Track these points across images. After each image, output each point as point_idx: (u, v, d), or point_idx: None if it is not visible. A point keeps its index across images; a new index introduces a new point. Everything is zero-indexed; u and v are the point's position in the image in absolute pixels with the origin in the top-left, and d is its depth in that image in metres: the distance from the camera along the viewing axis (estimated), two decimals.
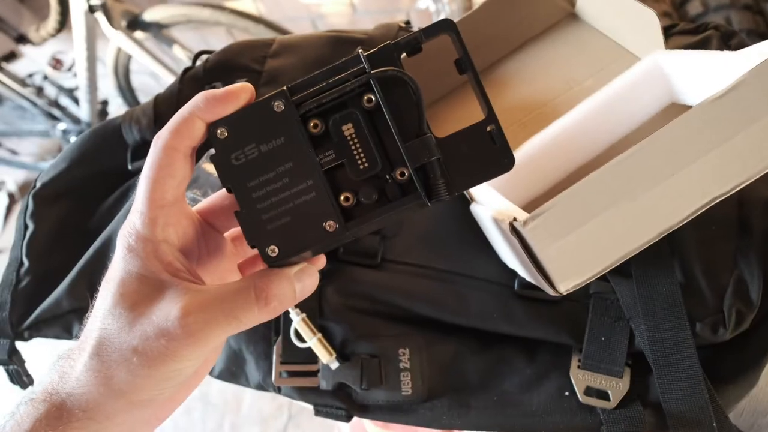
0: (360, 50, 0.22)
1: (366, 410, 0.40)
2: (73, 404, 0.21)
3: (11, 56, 1.58)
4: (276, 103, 0.22)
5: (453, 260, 0.41)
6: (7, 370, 0.48)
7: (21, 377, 0.48)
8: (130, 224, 0.22)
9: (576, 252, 0.29)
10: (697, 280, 0.36)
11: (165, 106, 0.50)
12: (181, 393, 0.25)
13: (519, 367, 0.39)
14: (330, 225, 0.22)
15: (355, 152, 0.22)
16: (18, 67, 1.56)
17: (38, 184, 0.51)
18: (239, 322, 0.22)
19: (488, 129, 0.23)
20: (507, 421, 0.38)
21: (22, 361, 0.48)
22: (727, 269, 0.36)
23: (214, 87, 0.49)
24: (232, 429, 1.20)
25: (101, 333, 0.22)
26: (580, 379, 0.37)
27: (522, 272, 0.36)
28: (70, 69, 1.48)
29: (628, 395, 0.36)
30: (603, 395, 0.37)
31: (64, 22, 1.31)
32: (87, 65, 1.30)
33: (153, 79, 1.50)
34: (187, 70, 0.51)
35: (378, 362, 0.39)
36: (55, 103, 1.51)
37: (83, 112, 1.44)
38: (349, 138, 0.22)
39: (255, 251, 0.24)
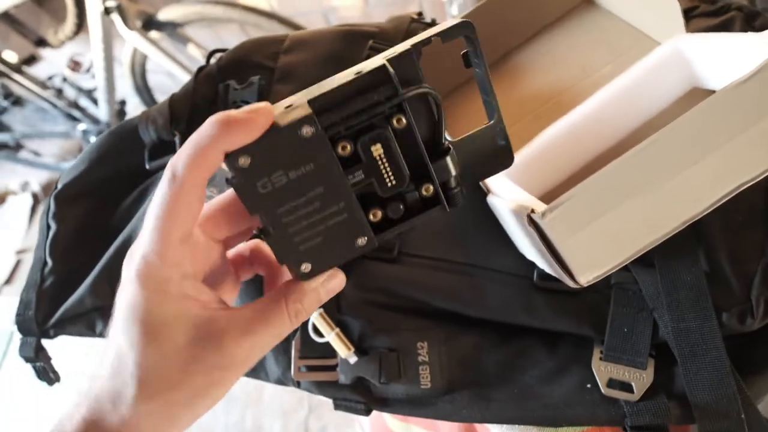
0: (385, 62, 0.21)
1: (385, 404, 0.40)
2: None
3: (31, 59, 1.61)
4: (304, 129, 0.21)
5: (471, 253, 0.41)
6: (34, 367, 0.49)
7: (48, 374, 0.49)
8: (151, 266, 0.21)
9: (596, 243, 0.29)
10: (722, 268, 0.35)
11: (180, 105, 0.50)
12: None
13: (540, 359, 0.38)
14: (362, 240, 0.23)
15: (383, 171, 0.22)
16: (38, 70, 1.59)
17: (60, 186, 0.52)
18: (279, 339, 0.23)
19: (498, 130, 0.25)
20: (528, 414, 0.37)
21: (48, 358, 0.49)
22: (755, 257, 0.35)
23: (228, 85, 0.49)
24: (254, 422, 1.21)
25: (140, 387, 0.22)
26: (602, 371, 0.36)
27: (541, 264, 0.36)
28: (88, 70, 1.50)
29: (652, 387, 0.35)
30: (626, 387, 0.36)
31: (81, 24, 1.33)
32: (104, 66, 1.32)
33: (169, 78, 1.51)
34: (201, 69, 0.52)
35: (397, 356, 0.39)
36: (75, 105, 1.53)
37: (102, 112, 1.47)
38: (378, 158, 0.22)
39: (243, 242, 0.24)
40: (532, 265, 0.39)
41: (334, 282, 0.25)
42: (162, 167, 0.50)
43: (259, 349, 0.23)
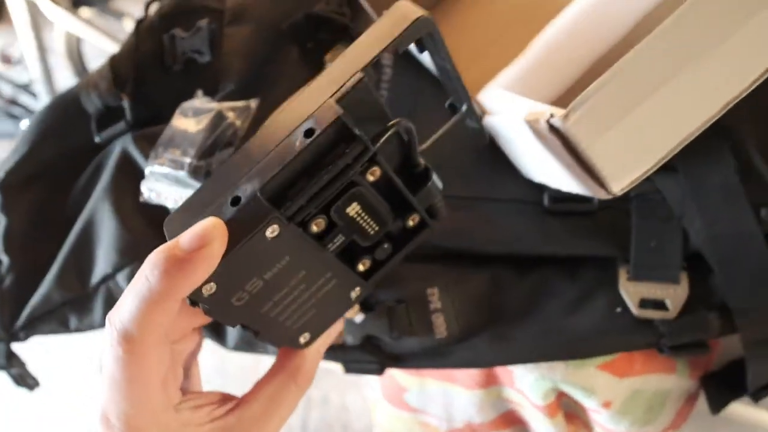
0: (340, 113, 0.17)
1: (399, 360, 0.36)
2: None
3: None
4: (269, 231, 0.18)
5: (471, 184, 0.37)
6: (9, 375, 0.45)
7: (25, 380, 0.46)
8: (145, 427, 0.19)
9: (630, 142, 0.25)
10: (754, 161, 0.32)
11: (123, 64, 0.44)
12: None
13: (561, 289, 0.35)
14: (355, 292, 0.23)
15: (363, 225, 0.20)
16: None
17: (2, 174, 0.46)
18: (292, 411, 0.23)
19: (468, 114, 0.23)
20: (556, 350, 0.34)
21: (22, 364, 0.45)
22: None
23: (173, 35, 0.43)
24: None
25: None
26: (631, 291, 0.33)
27: (557, 182, 0.32)
28: (21, 62, 1.39)
29: (688, 301, 0.33)
30: (660, 305, 0.33)
31: (0, 11, 1.21)
32: (37, 55, 1.21)
33: None
34: (140, 22, 0.45)
35: (406, 307, 0.35)
36: (13, 102, 1.42)
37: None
38: (355, 216, 0.20)
39: None
40: (541, 188, 0.36)
41: (333, 334, 0.24)
42: (113, 138, 0.44)
43: (279, 426, 0.22)
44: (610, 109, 0.25)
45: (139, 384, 0.18)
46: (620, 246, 0.34)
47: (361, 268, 0.22)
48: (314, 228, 0.19)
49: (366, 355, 0.36)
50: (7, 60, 1.41)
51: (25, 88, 1.43)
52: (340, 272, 0.21)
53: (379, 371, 0.36)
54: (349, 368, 0.37)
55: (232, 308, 0.19)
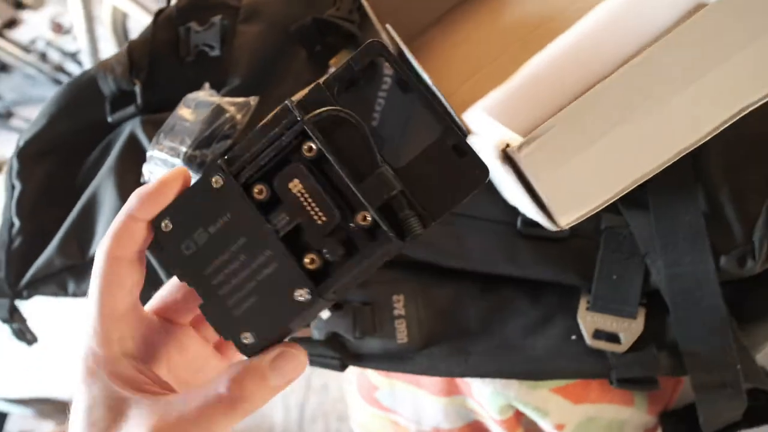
0: (288, 101, 0.21)
1: (361, 359, 0.38)
2: None
3: (12, 23, 1.55)
4: (214, 179, 0.21)
5: None
6: (11, 328, 0.49)
7: (25, 334, 0.49)
8: (86, 346, 0.21)
9: (579, 179, 0.26)
10: (722, 208, 0.32)
11: (139, 51, 0.47)
12: None
13: (522, 310, 0.36)
14: (301, 294, 0.20)
15: (309, 208, 0.20)
16: (19, 34, 1.54)
17: (21, 143, 0.50)
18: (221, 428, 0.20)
19: (452, 143, 0.21)
20: (509, 368, 0.35)
21: (23, 319, 0.49)
22: (759, 196, 0.31)
23: (189, 28, 0.46)
24: None
25: None
26: (588, 321, 0.34)
27: (523, 207, 0.33)
28: (70, 32, 1.45)
29: (642, 337, 0.33)
30: (614, 338, 0.34)
31: None
32: (86, 26, 1.26)
33: None
34: (160, 12, 0.48)
35: (371, 310, 0.37)
36: (60, 68, 1.49)
37: None
38: (299, 195, 0.20)
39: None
40: (516, 210, 0.36)
41: (288, 363, 0.21)
42: (124, 120, 0.47)
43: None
44: (565, 144, 0.25)
45: (103, 296, 0.21)
46: (585, 275, 0.34)
47: (307, 262, 0.21)
48: (256, 192, 0.21)
49: (330, 351, 0.38)
50: (58, 28, 1.48)
51: (73, 56, 1.49)
52: (280, 256, 0.20)
53: (341, 368, 0.38)
54: (313, 362, 0.39)
55: (180, 256, 0.21)
